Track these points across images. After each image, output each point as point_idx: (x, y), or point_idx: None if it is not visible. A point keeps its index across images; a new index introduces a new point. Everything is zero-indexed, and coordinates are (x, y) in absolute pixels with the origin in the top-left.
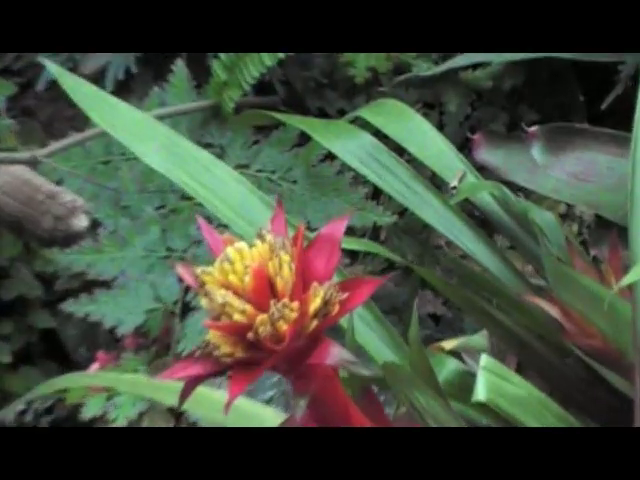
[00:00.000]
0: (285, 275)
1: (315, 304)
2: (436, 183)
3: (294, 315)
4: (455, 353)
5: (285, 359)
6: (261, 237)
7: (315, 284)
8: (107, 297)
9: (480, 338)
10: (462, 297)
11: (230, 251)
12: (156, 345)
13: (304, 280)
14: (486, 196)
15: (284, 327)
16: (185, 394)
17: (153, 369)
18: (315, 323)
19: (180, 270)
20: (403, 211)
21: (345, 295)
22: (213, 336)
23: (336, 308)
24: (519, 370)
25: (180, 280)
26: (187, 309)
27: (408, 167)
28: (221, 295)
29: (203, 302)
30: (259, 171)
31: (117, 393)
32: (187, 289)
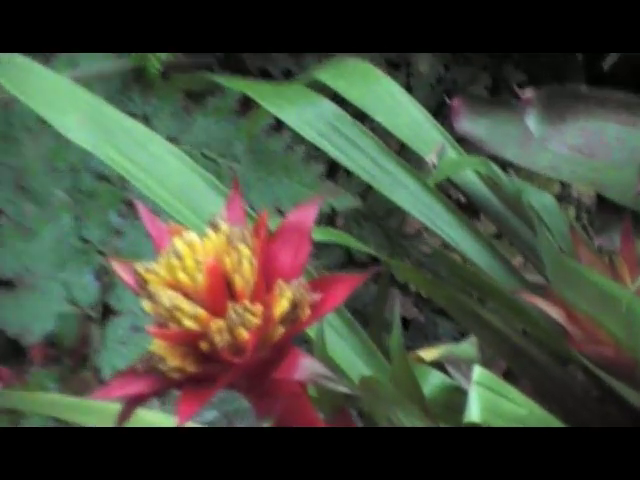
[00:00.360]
0: (245, 272)
1: (281, 307)
2: (409, 159)
3: (256, 321)
4: (437, 364)
5: (246, 374)
6: (215, 227)
7: (281, 283)
8: (9, 299)
9: (468, 346)
10: (446, 296)
11: (178, 244)
12: (70, 357)
13: (268, 278)
14: (470, 174)
15: (245, 335)
16: (124, 417)
17: (67, 386)
18: (281, 330)
19: (116, 267)
20: (364, 193)
21: (317, 296)
22: (158, 346)
23: (306, 312)
24: (507, 378)
25: (99, 278)
26: (108, 313)
27: (376, 140)
28: (168, 297)
29: (146, 306)
30: (192, 146)
31: (24, 416)
32: (107, 288)
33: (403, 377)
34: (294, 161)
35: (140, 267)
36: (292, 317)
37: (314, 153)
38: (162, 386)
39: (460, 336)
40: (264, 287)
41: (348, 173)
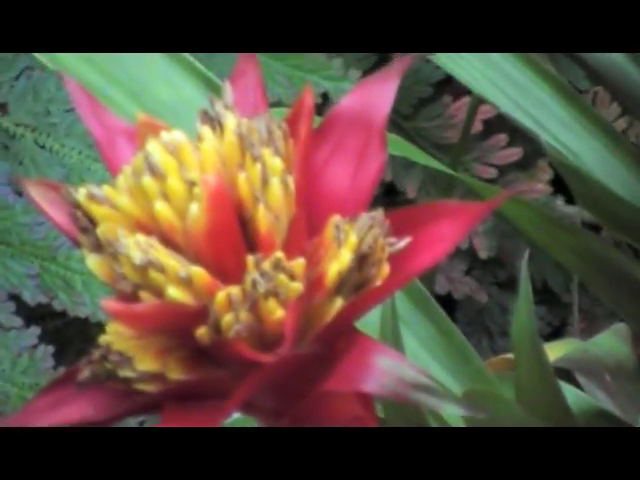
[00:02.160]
0: (274, 200)
1: (340, 262)
2: None
3: (297, 286)
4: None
5: (277, 383)
6: (214, 120)
7: (338, 219)
8: None
9: (610, 340)
10: (578, 246)
11: (154, 149)
12: None
13: (315, 211)
14: None
15: (277, 312)
16: None
17: None
18: (339, 304)
19: (33, 192)
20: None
21: (403, 242)
22: (119, 337)
23: (384, 270)
24: None
25: None
26: None
27: None
28: (138, 245)
29: (93, 263)
30: None
31: None
32: None
33: (538, 391)
34: None
35: (82, 192)
36: (358, 280)
37: None
38: (126, 407)
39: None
40: (308, 227)
41: None
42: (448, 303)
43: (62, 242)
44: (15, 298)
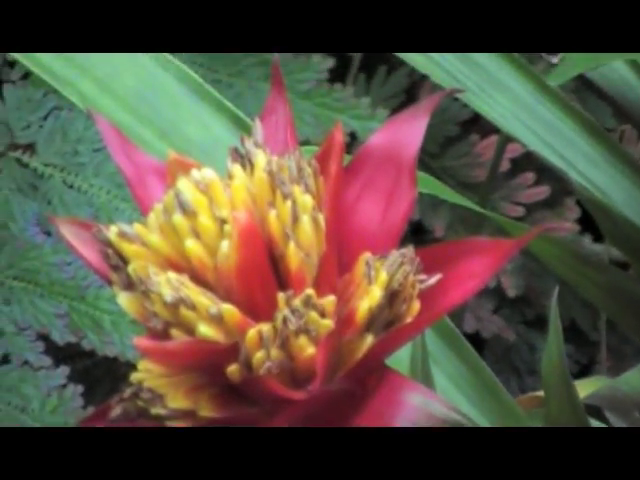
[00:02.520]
0: (305, 237)
1: (371, 299)
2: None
3: (328, 324)
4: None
5: (308, 421)
6: (244, 157)
7: (368, 256)
8: None
9: (638, 377)
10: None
11: (185, 187)
12: None
13: (346, 248)
14: (620, 67)
15: (308, 349)
16: None
17: None
18: (370, 341)
19: (64, 230)
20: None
21: (434, 278)
22: (150, 375)
23: (414, 307)
24: None
25: None
26: None
27: None
28: (169, 283)
29: (124, 300)
30: None
31: None
32: None
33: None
34: None
35: (113, 230)
36: (389, 317)
37: None
38: None
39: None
40: (339, 264)
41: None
42: (476, 342)
43: (91, 282)
44: (44, 338)
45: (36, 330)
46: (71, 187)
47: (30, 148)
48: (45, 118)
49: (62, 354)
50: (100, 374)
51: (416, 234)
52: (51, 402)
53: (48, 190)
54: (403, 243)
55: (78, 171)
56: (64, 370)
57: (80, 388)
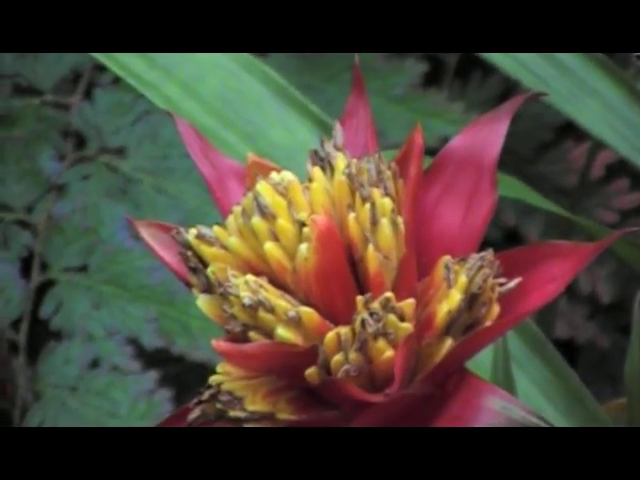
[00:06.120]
0: (385, 240)
1: (450, 302)
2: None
3: (407, 327)
4: None
5: (386, 425)
6: (323, 159)
7: (448, 260)
8: None
9: None
10: None
11: (264, 190)
12: None
13: (425, 251)
14: None
15: (387, 353)
16: None
17: None
18: (449, 344)
19: (144, 233)
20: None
21: (513, 282)
22: (229, 377)
23: (494, 311)
24: None
25: (25, 275)
26: (42, 335)
27: None
28: (248, 286)
29: (203, 303)
30: None
31: None
32: (40, 293)
33: None
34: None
35: (192, 233)
36: (468, 320)
37: None
38: None
39: None
40: (418, 267)
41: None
42: (570, 349)
43: (180, 286)
44: (133, 342)
45: (125, 335)
46: (160, 192)
47: (120, 152)
48: (135, 122)
49: (151, 359)
50: (190, 380)
51: (511, 240)
52: (140, 407)
53: (137, 195)
54: (496, 249)
55: (168, 176)
56: (153, 375)
57: (169, 393)
